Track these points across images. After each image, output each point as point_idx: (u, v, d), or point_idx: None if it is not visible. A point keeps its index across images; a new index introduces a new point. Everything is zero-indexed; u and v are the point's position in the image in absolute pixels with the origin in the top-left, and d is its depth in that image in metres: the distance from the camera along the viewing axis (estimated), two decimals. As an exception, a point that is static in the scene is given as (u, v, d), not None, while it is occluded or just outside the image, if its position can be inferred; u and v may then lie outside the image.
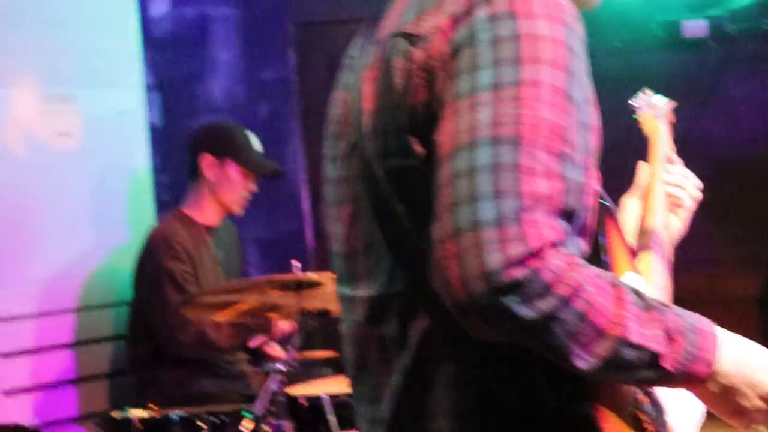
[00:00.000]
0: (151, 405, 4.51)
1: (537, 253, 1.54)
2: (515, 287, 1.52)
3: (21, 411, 4.98)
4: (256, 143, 5.11)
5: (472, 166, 1.57)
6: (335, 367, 5.31)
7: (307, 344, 4.98)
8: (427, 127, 1.67)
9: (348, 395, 4.25)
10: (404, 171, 1.71)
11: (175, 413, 4.24)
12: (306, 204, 6.04)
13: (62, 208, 5.17)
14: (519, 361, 1.67)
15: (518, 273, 1.52)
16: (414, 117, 1.69)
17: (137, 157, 5.50)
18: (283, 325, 5.07)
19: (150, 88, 5.90)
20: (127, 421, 4.23)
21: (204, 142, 5.05)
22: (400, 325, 1.76)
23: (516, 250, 1.53)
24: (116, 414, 4.34)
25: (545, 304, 1.53)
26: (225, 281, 5.09)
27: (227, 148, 5.02)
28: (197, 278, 4.93)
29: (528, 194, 1.55)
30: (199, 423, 4.18)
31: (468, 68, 1.63)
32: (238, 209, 5.09)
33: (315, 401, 4.60)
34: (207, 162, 5.01)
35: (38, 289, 5.10)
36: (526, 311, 1.52)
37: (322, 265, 5.44)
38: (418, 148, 1.69)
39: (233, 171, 5.02)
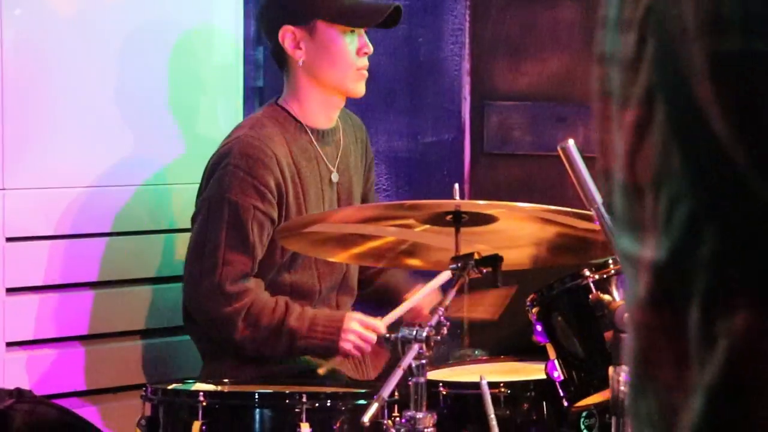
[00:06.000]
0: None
1: None
2: None
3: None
4: None
5: None
6: (492, 346, 4.92)
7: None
8: None
9: (514, 384, 4.23)
10: (741, 59, 1.16)
11: (257, 392, 4.06)
12: (466, 103, 5.45)
13: (87, 81, 4.43)
14: None
15: None
16: None
17: (223, 15, 4.89)
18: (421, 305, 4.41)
19: None
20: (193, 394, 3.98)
21: (278, 11, 4.54)
22: (703, 316, 1.26)
23: None
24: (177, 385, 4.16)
25: None
26: (345, 205, 4.62)
27: (309, 6, 4.50)
28: (299, 206, 4.45)
29: None
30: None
31: None
32: (354, 86, 4.47)
33: (465, 390, 4.22)
34: (290, 38, 4.48)
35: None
36: None
37: (486, 194, 4.96)
38: None
39: (326, 35, 4.47)
